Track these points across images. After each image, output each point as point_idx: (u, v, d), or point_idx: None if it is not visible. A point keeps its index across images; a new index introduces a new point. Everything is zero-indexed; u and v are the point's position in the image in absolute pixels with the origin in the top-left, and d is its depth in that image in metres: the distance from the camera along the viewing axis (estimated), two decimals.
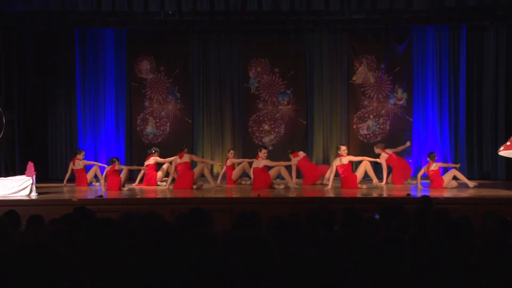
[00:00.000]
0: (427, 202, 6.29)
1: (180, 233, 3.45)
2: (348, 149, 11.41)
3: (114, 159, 10.72)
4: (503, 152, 9.94)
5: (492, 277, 2.58)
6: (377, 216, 4.89)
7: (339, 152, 10.54)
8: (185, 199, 8.92)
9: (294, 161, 11.13)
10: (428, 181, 10.58)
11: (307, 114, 12.73)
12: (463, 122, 12.55)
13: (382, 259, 2.71)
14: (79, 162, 11.28)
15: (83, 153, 11.50)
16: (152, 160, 11.18)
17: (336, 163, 10.48)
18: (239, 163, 11.38)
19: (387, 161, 11.14)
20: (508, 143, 9.88)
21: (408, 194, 8.92)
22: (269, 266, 2.56)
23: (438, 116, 12.65)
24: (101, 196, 9.17)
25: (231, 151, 11.56)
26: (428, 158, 10.80)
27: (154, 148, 11.51)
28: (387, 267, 2.68)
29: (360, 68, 12.76)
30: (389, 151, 11.28)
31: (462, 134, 12.55)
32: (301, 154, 11.40)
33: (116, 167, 10.54)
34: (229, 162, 11.42)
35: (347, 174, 10.33)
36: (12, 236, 4.15)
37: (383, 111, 12.62)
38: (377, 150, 11.33)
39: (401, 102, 12.76)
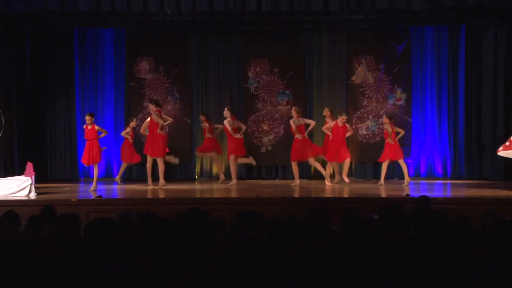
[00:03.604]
0: (425, 202, 6.28)
1: (179, 233, 3.45)
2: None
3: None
4: (502, 152, 9.95)
5: (492, 277, 2.58)
6: (376, 216, 4.89)
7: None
8: (185, 199, 8.92)
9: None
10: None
11: (307, 115, 12.70)
12: (462, 122, 12.56)
13: (381, 259, 2.71)
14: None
15: (134, 120, 11.96)
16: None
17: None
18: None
19: (333, 129, 11.21)
20: (507, 143, 9.89)
21: (407, 195, 8.95)
22: (269, 266, 2.56)
23: (437, 117, 12.66)
24: (100, 196, 9.18)
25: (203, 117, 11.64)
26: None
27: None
28: (386, 266, 2.68)
29: (359, 68, 12.76)
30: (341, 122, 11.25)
31: (461, 134, 12.55)
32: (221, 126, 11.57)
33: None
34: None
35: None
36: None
37: (382, 112, 12.61)
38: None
39: (400, 103, 12.75)
